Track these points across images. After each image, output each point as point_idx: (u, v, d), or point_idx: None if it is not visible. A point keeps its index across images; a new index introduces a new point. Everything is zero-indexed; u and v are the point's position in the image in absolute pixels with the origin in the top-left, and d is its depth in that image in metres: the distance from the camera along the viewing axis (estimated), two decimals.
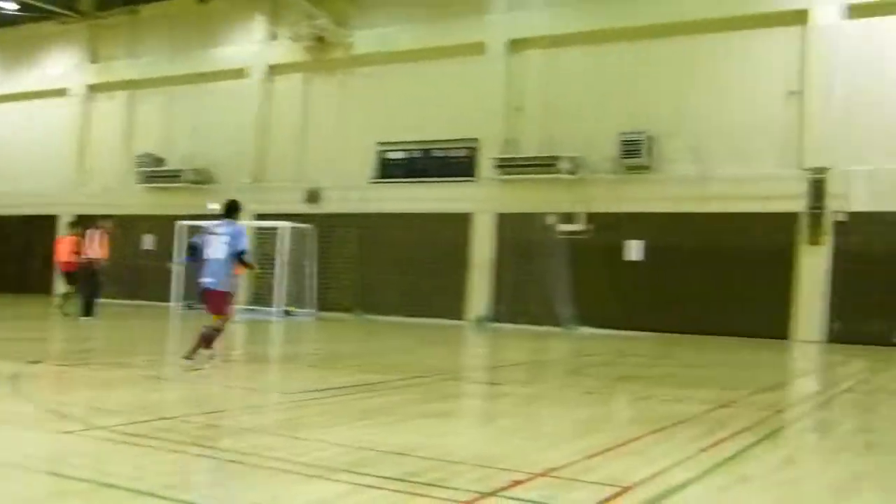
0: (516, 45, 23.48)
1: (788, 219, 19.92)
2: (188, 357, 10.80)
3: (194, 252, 12.07)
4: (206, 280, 11.09)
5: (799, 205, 19.86)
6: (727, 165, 20.60)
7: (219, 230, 11.31)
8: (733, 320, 20.02)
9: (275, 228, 24.01)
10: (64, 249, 19.71)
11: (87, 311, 18.35)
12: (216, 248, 11.10)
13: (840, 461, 6.54)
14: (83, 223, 19.59)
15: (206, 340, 10.94)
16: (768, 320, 19.73)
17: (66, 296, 19.94)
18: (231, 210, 11.64)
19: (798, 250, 19.80)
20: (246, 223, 25.72)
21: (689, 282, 20.63)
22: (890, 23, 19.59)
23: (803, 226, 19.82)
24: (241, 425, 7.30)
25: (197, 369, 10.53)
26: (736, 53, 20.98)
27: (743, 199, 20.31)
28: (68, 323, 18.30)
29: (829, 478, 5.96)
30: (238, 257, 11.13)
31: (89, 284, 18.59)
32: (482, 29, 23.74)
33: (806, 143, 19.95)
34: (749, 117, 20.63)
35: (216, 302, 11.14)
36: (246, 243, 11.49)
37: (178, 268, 23.40)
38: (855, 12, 19.77)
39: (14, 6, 30.56)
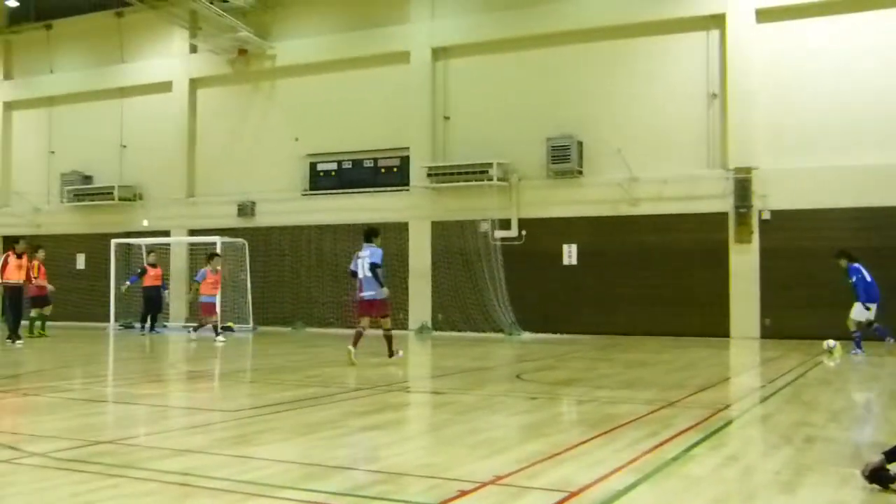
0: (440, 52, 23.57)
1: (717, 218, 20.33)
2: (392, 355, 14.24)
3: (354, 275, 14.39)
4: (367, 293, 13.99)
5: (726, 204, 20.26)
6: (654, 167, 20.93)
7: (363, 253, 14.01)
8: (672, 320, 20.34)
9: (208, 243, 23.73)
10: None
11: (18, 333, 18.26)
12: (364, 267, 13.88)
13: (782, 456, 6.65)
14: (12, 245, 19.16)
15: (389, 341, 14.32)
16: (707, 318, 20.08)
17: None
18: (371, 235, 14.26)
19: (728, 249, 20.19)
20: (184, 239, 25.57)
21: (626, 283, 20.91)
22: (800, 26, 20.13)
23: (731, 225, 20.22)
24: (182, 446, 7.17)
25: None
26: (658, 57, 21.35)
27: (671, 199, 20.68)
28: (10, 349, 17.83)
29: (773, 473, 6.05)
30: (373, 270, 13.72)
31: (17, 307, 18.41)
32: (406, 38, 23.78)
33: (730, 143, 20.37)
34: (673, 120, 21.00)
35: (380, 308, 14.17)
36: (379, 260, 13.93)
37: (123, 288, 23.15)
38: (765, 16, 20.25)
39: None
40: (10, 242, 20.47)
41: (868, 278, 15.75)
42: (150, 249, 23.89)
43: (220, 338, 19.32)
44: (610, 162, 21.27)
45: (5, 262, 18.32)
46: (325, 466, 6.22)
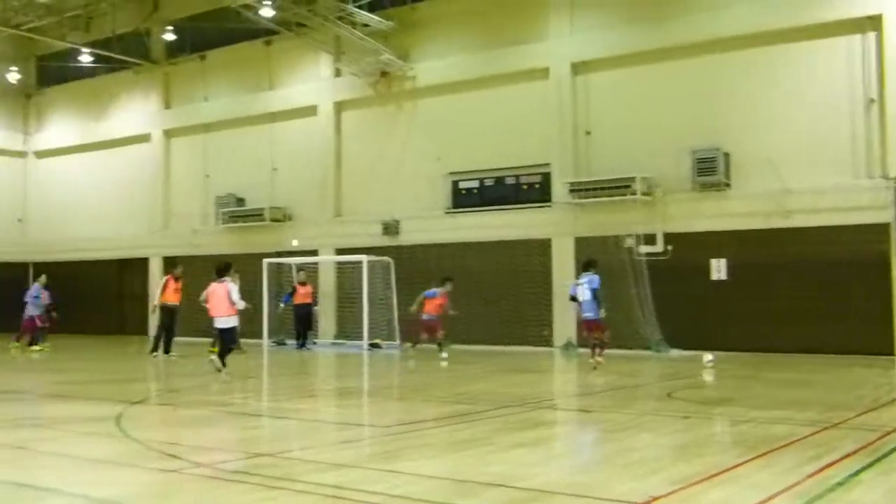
0: (580, 67, 23.36)
1: (877, 230, 19.35)
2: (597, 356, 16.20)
3: (574, 299, 16.80)
4: (588, 314, 16.26)
5: (887, 215, 19.30)
6: (807, 178, 20.15)
7: (583, 280, 16.37)
8: (828, 337, 19.43)
9: (355, 262, 24.22)
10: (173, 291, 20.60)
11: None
12: (584, 292, 16.19)
13: None
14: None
15: (600, 347, 16.48)
16: (866, 335, 19.07)
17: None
18: (590, 265, 16.67)
19: (891, 262, 19.22)
20: (332, 258, 26.22)
21: (778, 298, 20.12)
22: None
23: (893, 236, 19.25)
24: (336, 460, 7.33)
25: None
26: (807, 62, 20.55)
27: (827, 211, 19.82)
28: (170, 363, 18.95)
29: None
30: (594, 294, 16.03)
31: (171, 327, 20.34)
32: (545, 54, 23.68)
33: (889, 151, 19.39)
34: (827, 127, 20.14)
35: (598, 325, 16.41)
36: (598, 286, 16.18)
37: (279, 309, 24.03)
38: None
39: (90, 59, 31.61)
40: (169, 265, 21.93)
41: None
42: (300, 268, 24.58)
43: (444, 354, 18.89)
44: (759, 173, 20.60)
45: (166, 285, 20.17)
46: (475, 483, 6.23)
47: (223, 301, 15.08)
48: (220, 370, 14.85)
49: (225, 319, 15.18)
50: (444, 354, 18.85)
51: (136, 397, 12.28)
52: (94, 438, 8.59)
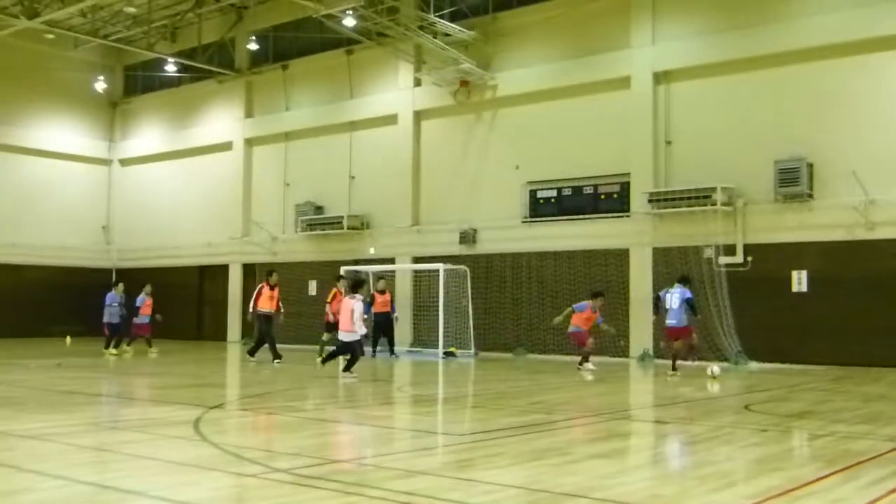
0: (662, 77, 23.19)
1: None
2: (673, 369, 17.14)
3: (658, 303, 18.09)
4: (672, 322, 17.15)
5: None
6: (891, 189, 19.67)
7: (674, 291, 17.30)
8: None
9: (432, 270, 24.37)
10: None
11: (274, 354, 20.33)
12: (673, 300, 17.15)
13: None
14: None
15: (683, 355, 17.77)
16: None
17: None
18: (684, 280, 17.73)
19: None
20: (409, 266, 26.42)
21: (861, 311, 19.67)
22: None
23: None
24: (413, 467, 7.40)
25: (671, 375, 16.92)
26: (893, 72, 20.08)
27: None
28: (247, 368, 19.36)
29: None
30: (689, 304, 17.10)
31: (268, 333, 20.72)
32: (626, 63, 23.55)
33: None
34: None
35: (679, 333, 17.33)
36: (691, 295, 17.31)
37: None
38: None
39: (175, 68, 32.46)
40: (263, 272, 22.91)
41: None
42: (380, 276, 24.82)
43: (589, 366, 18.63)
44: (843, 184, 20.18)
45: (259, 293, 20.69)
46: (551, 493, 6.25)
47: (348, 317, 15.84)
48: (354, 377, 15.86)
49: (348, 335, 15.98)
50: (590, 366, 18.68)
51: (215, 402, 12.55)
52: (174, 442, 8.81)
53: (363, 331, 16.12)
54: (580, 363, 18.75)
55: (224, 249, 32.38)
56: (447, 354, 23.54)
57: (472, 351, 24.23)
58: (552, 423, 10.46)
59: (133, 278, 26.72)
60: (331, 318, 20.91)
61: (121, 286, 24.25)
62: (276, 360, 19.87)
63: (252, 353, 20.78)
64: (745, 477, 7.16)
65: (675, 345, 17.61)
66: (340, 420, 11.31)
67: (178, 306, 32.90)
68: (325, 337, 21.24)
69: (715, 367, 16.78)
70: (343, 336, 16.09)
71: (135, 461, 7.75)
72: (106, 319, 23.38)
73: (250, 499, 6.41)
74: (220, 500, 6.19)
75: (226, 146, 33.05)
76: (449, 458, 8.21)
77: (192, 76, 33.23)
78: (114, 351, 22.90)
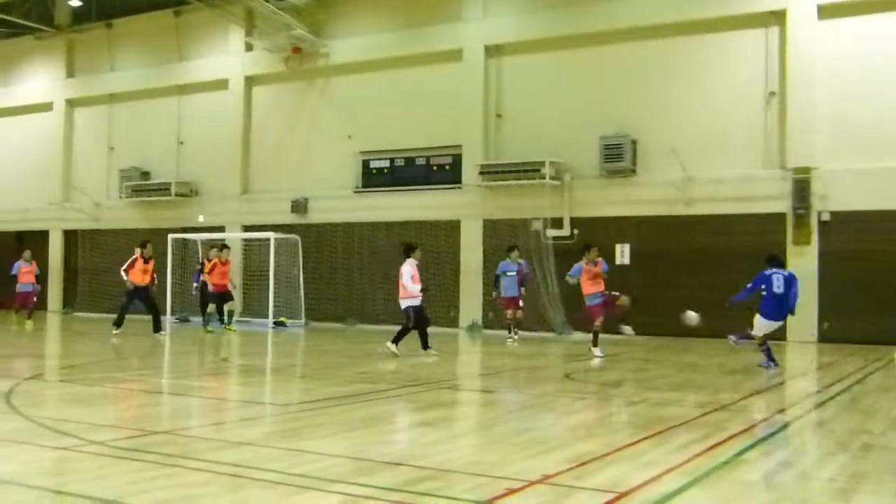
0: (494, 50, 23.54)
1: (775, 219, 20.02)
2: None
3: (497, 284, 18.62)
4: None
5: (784, 205, 19.97)
6: (710, 167, 20.70)
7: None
8: (723, 322, 20.02)
9: (262, 239, 23.98)
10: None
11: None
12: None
13: (838, 463, 6.55)
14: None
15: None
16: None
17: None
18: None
19: (786, 251, 19.85)
20: (239, 235, 25.86)
21: (679, 284, 20.65)
22: (864, 22, 19.71)
23: (789, 226, 19.91)
24: (236, 438, 7.28)
25: None
26: (715, 55, 21.09)
27: (727, 200, 20.42)
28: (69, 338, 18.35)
29: (827, 480, 5.97)
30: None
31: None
32: (459, 36, 23.78)
33: (788, 143, 20.06)
34: (730, 118, 20.73)
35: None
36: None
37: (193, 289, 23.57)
38: (827, 13, 19.87)
39: None
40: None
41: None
42: (212, 245, 24.15)
43: (597, 351, 15.64)
44: (665, 161, 21.07)
45: (132, 264, 19.07)
46: (374, 461, 6.26)
47: (406, 282, 15.04)
48: (395, 354, 14.87)
49: (408, 300, 15.10)
50: (598, 352, 15.95)
51: (30, 373, 11.97)
52: None
53: (413, 289, 15.03)
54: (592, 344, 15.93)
55: (43, 215, 30.84)
56: (277, 324, 23.27)
57: (303, 321, 24.04)
58: (377, 392, 10.50)
59: None
60: (210, 287, 21.00)
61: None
62: (115, 332, 18.79)
63: (157, 329, 19.08)
64: (563, 443, 7.38)
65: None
66: (162, 391, 10.99)
67: None
68: (211, 308, 21.28)
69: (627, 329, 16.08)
70: (404, 302, 15.13)
71: None
72: None
73: (64, 472, 6.14)
74: (32, 475, 5.89)
75: (45, 106, 31.40)
76: (273, 428, 8.11)
77: (7, 31, 31.28)
78: None
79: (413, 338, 15.29)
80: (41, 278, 22.97)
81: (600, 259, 15.74)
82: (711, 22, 20.96)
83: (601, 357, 15.23)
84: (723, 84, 20.89)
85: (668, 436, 7.44)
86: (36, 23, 30.25)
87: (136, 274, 19.03)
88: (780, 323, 14.09)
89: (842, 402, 10.07)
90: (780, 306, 13.76)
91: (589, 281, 15.53)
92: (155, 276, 19.69)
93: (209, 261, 22.66)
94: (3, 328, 21.80)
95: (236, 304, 24.16)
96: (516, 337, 18.60)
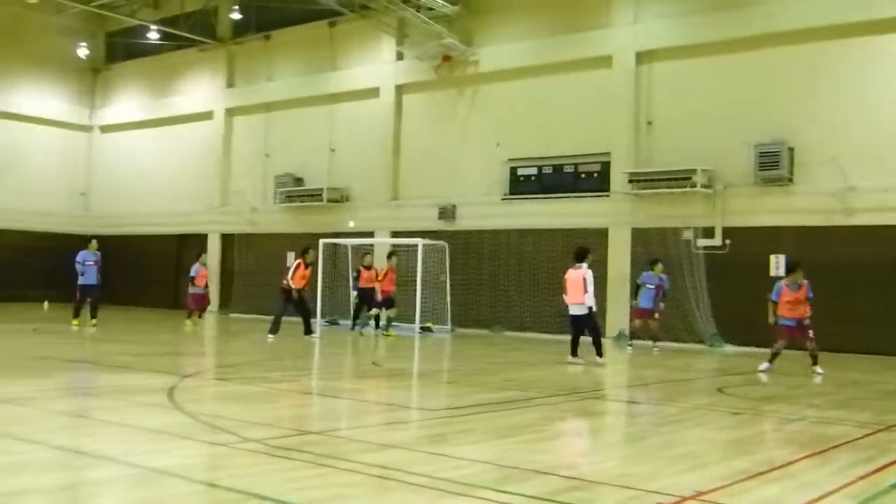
0: (644, 57, 23.11)
1: None
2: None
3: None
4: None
5: None
6: (873, 176, 19.73)
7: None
8: (888, 338, 19.09)
9: (410, 245, 24.30)
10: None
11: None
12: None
13: None
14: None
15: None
16: None
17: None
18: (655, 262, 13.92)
19: None
20: (387, 240, 26.31)
21: (838, 297, 19.72)
22: None
23: None
24: (385, 441, 7.38)
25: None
26: (874, 58, 20.07)
27: (891, 210, 19.42)
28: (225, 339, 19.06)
29: None
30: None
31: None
32: (609, 42, 23.46)
33: None
34: (891, 125, 19.71)
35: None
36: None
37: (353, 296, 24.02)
38: None
39: (157, 35, 32.15)
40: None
41: None
42: (366, 252, 24.59)
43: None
44: (823, 169, 20.20)
45: (296, 269, 19.29)
46: (521, 469, 6.23)
47: (578, 288, 15.03)
48: (600, 364, 15.00)
49: (579, 307, 15.13)
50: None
51: (190, 370, 12.48)
52: (148, 409, 8.76)
53: (590, 301, 15.06)
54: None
55: (203, 219, 32.18)
56: (424, 329, 23.52)
57: (449, 327, 24.21)
58: (526, 400, 10.45)
59: (110, 245, 26.43)
60: (378, 296, 21.93)
61: (94, 243, 21.74)
62: (271, 335, 18.76)
63: (308, 331, 19.40)
64: (716, 459, 7.17)
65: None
66: (316, 392, 11.26)
67: (155, 275, 32.81)
68: (373, 312, 22.26)
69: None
70: (573, 310, 15.18)
71: (108, 427, 7.71)
72: (80, 281, 20.70)
73: (221, 467, 6.37)
74: (192, 468, 6.14)
75: (206, 115, 32.76)
76: (422, 433, 8.19)
77: (173, 44, 32.86)
78: (75, 322, 20.67)
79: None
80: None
81: (804, 282, 14.72)
82: (869, 24, 19.96)
83: (764, 371, 14.67)
84: (886, 88, 19.89)
85: (828, 456, 7.12)
86: (200, 35, 31.60)
87: (297, 280, 19.25)
88: None
89: None
90: None
91: (787, 304, 14.62)
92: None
93: (366, 268, 23.01)
94: (173, 328, 22.84)
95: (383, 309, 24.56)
96: (657, 349, 18.28)
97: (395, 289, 22.45)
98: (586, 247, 16.29)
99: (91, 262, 20.89)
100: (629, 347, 18.89)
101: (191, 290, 22.86)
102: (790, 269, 15.00)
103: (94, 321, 20.64)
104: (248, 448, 6.73)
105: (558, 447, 7.73)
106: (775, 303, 14.66)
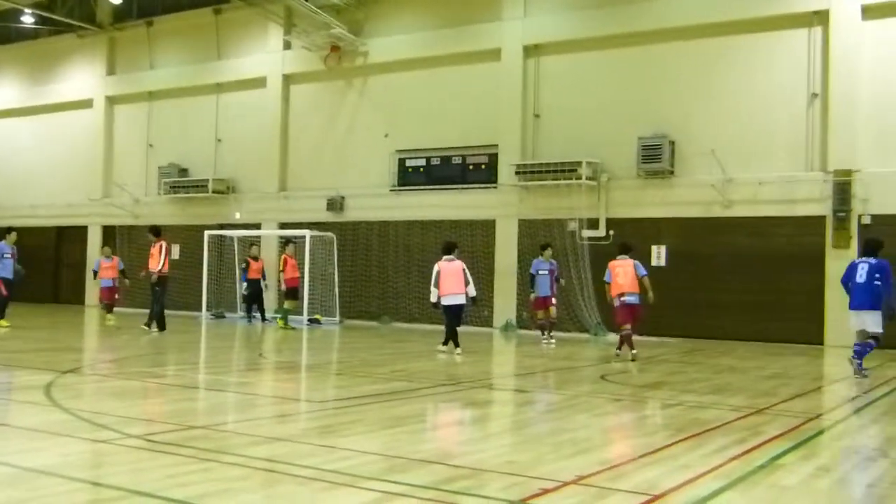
0: (532, 50, 23.45)
1: (814, 222, 19.77)
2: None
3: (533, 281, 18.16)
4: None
5: (824, 208, 19.72)
6: (749, 169, 20.48)
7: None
8: (762, 325, 19.88)
9: (298, 237, 24.10)
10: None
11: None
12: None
13: (878, 468, 6.46)
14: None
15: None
16: (800, 325, 19.53)
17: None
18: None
19: (825, 254, 19.62)
20: (275, 232, 26.03)
21: (716, 287, 20.50)
22: None
23: (829, 229, 19.66)
24: (272, 434, 7.32)
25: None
26: (756, 56, 20.85)
27: (767, 202, 20.19)
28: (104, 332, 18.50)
29: (866, 486, 5.89)
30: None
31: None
32: (497, 35, 23.71)
33: (830, 145, 19.78)
34: (770, 120, 20.49)
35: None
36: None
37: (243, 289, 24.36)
38: (872, 13, 19.54)
39: (32, 20, 30.99)
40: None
41: None
42: (253, 243, 24.41)
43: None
44: (703, 162, 20.87)
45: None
46: (408, 459, 6.28)
47: (459, 279, 15.43)
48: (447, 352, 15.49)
49: (455, 297, 15.50)
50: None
51: (69, 367, 12.12)
52: (24, 407, 8.47)
53: (474, 293, 15.69)
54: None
55: (83, 211, 31.17)
56: (312, 321, 23.37)
57: (338, 318, 24.13)
58: (413, 390, 10.51)
59: None
60: (283, 286, 21.74)
61: (13, 235, 19.97)
62: (156, 329, 18.58)
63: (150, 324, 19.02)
64: (598, 444, 7.36)
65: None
66: (200, 386, 11.08)
67: (34, 268, 31.54)
68: (288, 304, 21.81)
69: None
70: (451, 300, 15.42)
71: None
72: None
73: (102, 464, 6.22)
74: (71, 467, 5.97)
75: (86, 103, 31.73)
76: (308, 425, 8.16)
77: (50, 29, 31.72)
78: (4, 323, 19.07)
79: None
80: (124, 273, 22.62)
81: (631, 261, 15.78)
82: (752, 22, 20.72)
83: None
84: (764, 85, 20.66)
85: (703, 439, 7.38)
86: (78, 21, 30.59)
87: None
88: (865, 315, 13.34)
89: (882, 407, 9.93)
90: (857, 296, 13.23)
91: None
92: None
93: (254, 259, 23.00)
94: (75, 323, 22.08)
95: (270, 301, 24.32)
96: (553, 341, 18.25)
97: (298, 274, 22.19)
98: (453, 241, 17.13)
99: (9, 255, 19.55)
100: (548, 343, 18.13)
101: (102, 283, 22.02)
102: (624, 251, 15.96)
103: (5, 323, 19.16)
104: (130, 444, 6.59)
105: (445, 436, 7.80)
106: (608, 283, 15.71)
